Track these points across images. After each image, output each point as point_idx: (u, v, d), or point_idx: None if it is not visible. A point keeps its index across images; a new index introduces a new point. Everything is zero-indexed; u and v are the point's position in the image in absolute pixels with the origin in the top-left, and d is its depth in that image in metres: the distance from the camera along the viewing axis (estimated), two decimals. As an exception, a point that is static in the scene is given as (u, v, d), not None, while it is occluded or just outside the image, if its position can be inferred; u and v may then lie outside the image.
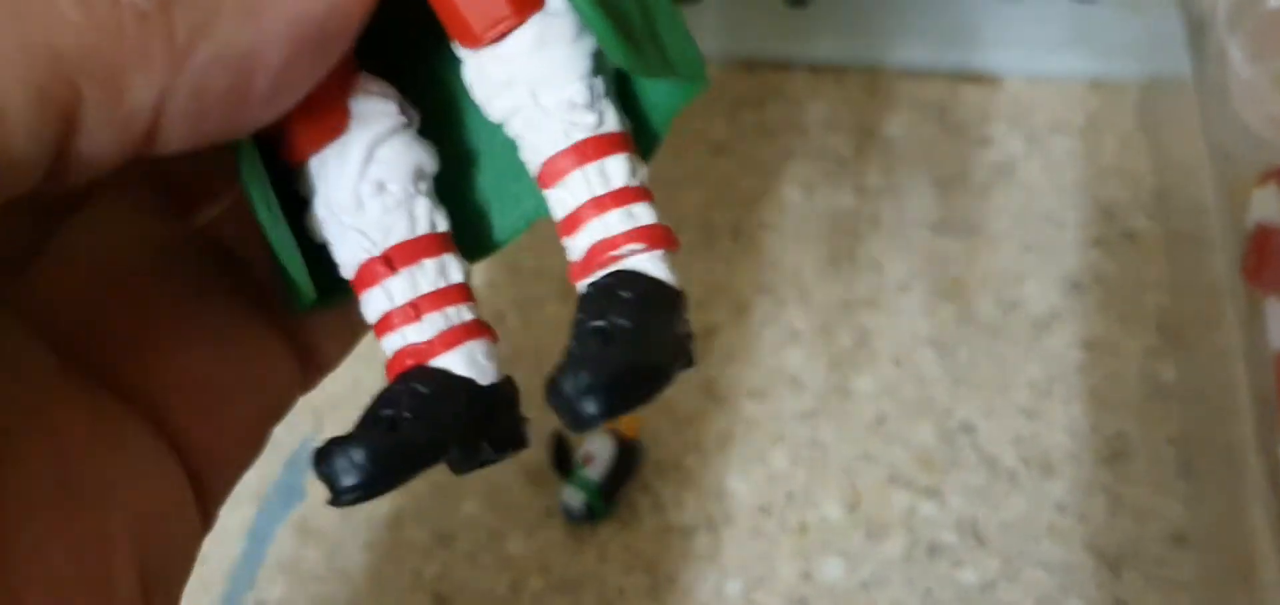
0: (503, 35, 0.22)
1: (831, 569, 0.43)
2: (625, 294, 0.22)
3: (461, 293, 0.24)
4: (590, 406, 0.21)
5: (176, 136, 0.20)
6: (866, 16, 0.57)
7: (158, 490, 0.24)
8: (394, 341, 0.24)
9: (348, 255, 0.24)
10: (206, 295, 0.26)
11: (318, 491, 0.48)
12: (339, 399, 0.47)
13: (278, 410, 0.28)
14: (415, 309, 0.23)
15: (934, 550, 0.42)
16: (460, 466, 0.24)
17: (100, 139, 0.19)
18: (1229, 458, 0.39)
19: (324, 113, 0.23)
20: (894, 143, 0.53)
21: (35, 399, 0.23)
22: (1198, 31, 0.45)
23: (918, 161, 0.52)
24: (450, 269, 0.24)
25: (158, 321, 0.25)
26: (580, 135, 0.23)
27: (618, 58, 0.22)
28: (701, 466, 0.46)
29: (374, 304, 0.24)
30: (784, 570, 0.43)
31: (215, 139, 0.21)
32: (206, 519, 0.26)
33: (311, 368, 0.28)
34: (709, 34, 0.58)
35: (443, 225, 0.24)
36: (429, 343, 0.23)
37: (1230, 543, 0.39)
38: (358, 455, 0.22)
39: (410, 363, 0.23)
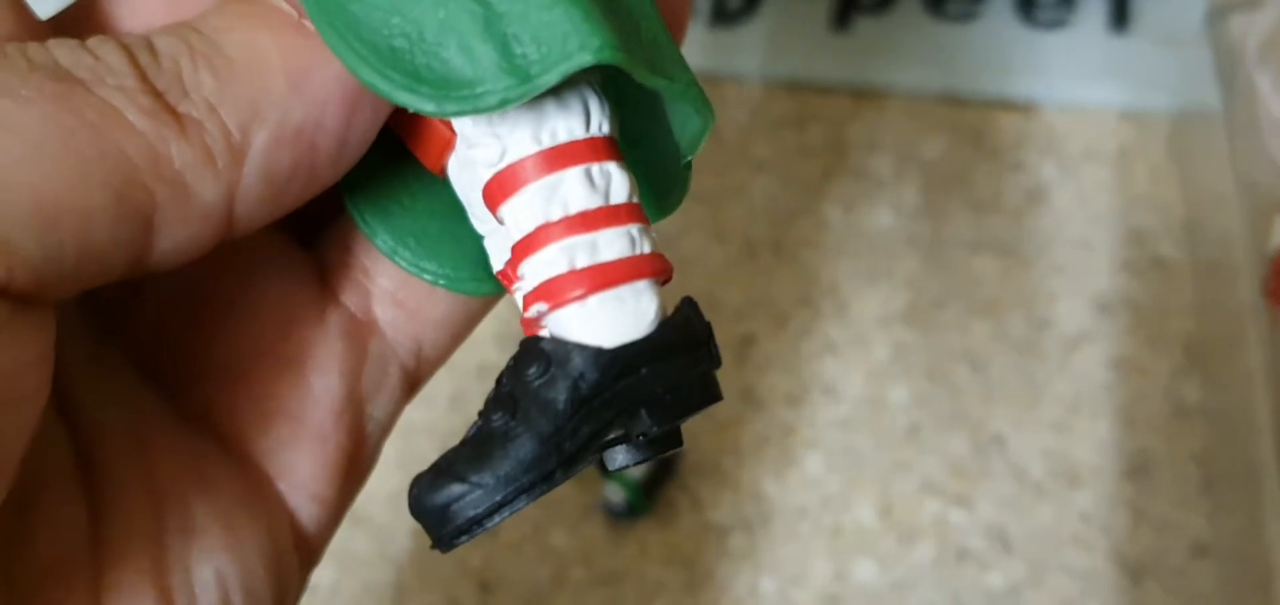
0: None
1: (864, 570, 0.44)
2: (508, 379, 0.20)
3: None
4: (439, 527, 0.20)
5: (256, 217, 0.20)
6: (908, 43, 0.59)
7: (247, 532, 0.24)
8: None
9: (493, 262, 0.23)
10: (301, 319, 0.26)
11: (370, 484, 0.49)
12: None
13: (382, 430, 0.27)
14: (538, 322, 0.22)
15: (962, 555, 0.44)
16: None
17: (179, 234, 0.20)
18: (1249, 474, 0.41)
19: (431, 132, 0.22)
20: (931, 165, 0.55)
21: (133, 438, 0.23)
22: (1228, 66, 0.46)
23: (954, 184, 0.54)
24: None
25: (250, 352, 0.25)
26: (484, 175, 0.21)
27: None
28: (738, 468, 0.47)
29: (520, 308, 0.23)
30: (818, 570, 0.44)
31: (297, 204, 0.21)
32: (309, 554, 0.25)
33: (415, 376, 0.27)
34: (753, 56, 0.60)
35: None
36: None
37: (1249, 556, 0.40)
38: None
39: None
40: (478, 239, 0.23)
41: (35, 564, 0.20)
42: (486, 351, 0.50)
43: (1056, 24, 0.59)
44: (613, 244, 0.20)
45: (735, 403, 0.49)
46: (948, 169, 0.54)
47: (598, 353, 0.20)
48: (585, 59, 0.19)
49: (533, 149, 0.20)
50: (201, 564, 0.23)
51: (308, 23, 0.20)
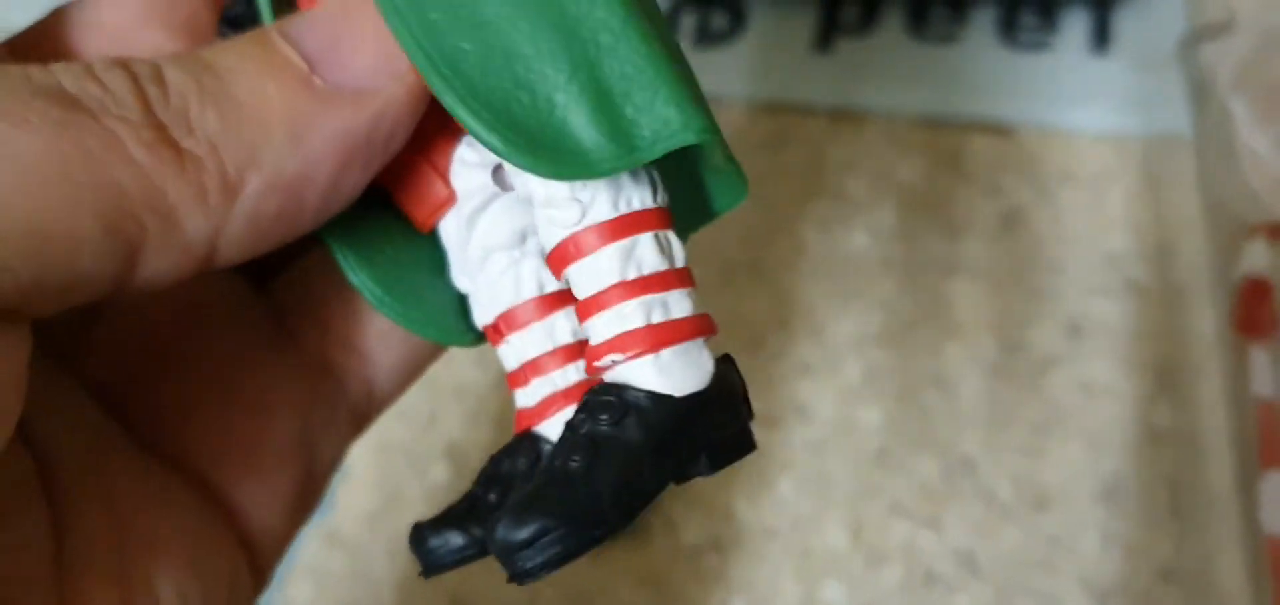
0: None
1: (832, 592, 0.44)
2: (584, 423, 0.21)
3: (572, 352, 0.24)
4: (522, 563, 0.20)
5: (235, 254, 0.21)
6: (885, 66, 0.59)
7: (206, 553, 0.25)
8: (516, 401, 0.24)
9: (476, 318, 0.24)
10: (257, 359, 0.27)
11: (347, 502, 0.50)
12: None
13: (330, 467, 0.28)
14: (523, 375, 0.24)
15: (930, 578, 0.44)
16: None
17: (160, 264, 0.20)
18: (1213, 499, 0.41)
19: (426, 192, 0.23)
20: (908, 188, 0.55)
21: (92, 460, 0.24)
22: (1200, 94, 0.46)
23: (930, 207, 0.54)
24: (559, 329, 0.24)
25: (207, 388, 0.26)
26: (559, 235, 0.22)
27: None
28: (711, 490, 0.47)
29: (502, 363, 0.24)
30: (787, 592, 0.45)
31: (274, 247, 0.22)
32: (259, 580, 0.26)
33: (365, 414, 0.28)
34: (733, 77, 0.60)
35: (553, 284, 0.24)
36: (535, 408, 0.24)
37: (1214, 582, 0.40)
38: (441, 535, 0.23)
39: (523, 427, 0.24)
40: (453, 291, 0.25)
41: None
42: (463, 372, 0.51)
43: (1038, 46, 0.59)
44: (681, 303, 0.22)
45: (709, 424, 0.49)
46: (924, 191, 0.55)
47: (670, 400, 0.21)
48: (689, 138, 0.21)
49: (611, 214, 0.21)
50: (164, 581, 0.23)
51: (316, 80, 0.21)
